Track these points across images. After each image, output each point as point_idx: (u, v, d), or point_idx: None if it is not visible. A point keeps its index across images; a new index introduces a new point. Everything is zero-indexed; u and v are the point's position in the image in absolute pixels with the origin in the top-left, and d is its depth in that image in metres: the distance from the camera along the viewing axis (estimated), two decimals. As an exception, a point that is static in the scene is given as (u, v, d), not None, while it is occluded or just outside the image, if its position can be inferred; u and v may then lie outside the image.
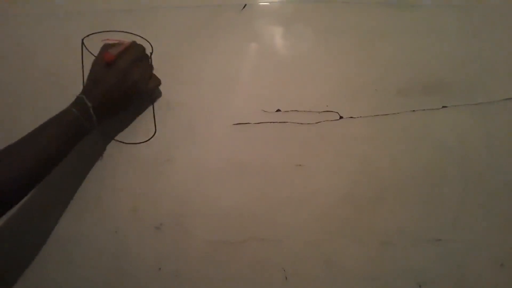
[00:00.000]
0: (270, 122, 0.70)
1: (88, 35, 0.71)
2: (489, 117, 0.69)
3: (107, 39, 0.71)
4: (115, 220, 0.71)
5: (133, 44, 0.66)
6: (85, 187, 0.71)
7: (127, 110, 0.69)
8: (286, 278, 0.69)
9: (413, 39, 0.70)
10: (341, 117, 0.70)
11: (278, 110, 0.70)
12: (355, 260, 0.69)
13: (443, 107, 0.69)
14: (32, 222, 0.71)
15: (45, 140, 0.58)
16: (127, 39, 0.69)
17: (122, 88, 0.63)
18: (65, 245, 0.71)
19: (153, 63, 0.71)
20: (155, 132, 0.71)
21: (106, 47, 0.65)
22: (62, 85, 0.72)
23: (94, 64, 0.65)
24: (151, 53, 0.71)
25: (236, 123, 0.70)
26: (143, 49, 0.67)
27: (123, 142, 0.71)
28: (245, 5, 0.71)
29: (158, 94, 0.71)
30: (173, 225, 0.70)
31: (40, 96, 0.72)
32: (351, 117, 0.70)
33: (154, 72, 0.69)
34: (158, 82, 0.70)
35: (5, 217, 0.69)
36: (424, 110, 0.69)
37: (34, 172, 0.58)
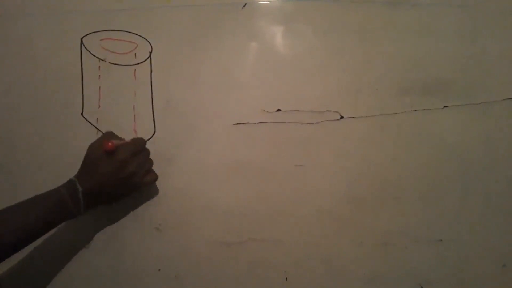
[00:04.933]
0: (270, 122, 0.70)
1: (86, 34, 0.71)
2: (490, 117, 0.69)
3: (107, 39, 0.70)
4: (115, 220, 0.70)
5: (135, 139, 0.66)
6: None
7: (124, 111, 0.68)
8: (286, 278, 0.69)
9: (413, 39, 0.70)
10: (341, 117, 0.70)
11: (278, 110, 0.70)
12: (355, 260, 0.69)
13: (444, 107, 0.69)
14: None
15: (28, 219, 0.57)
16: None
17: (117, 178, 0.62)
18: (65, 246, 0.71)
19: (152, 63, 0.71)
20: (154, 132, 0.71)
21: (107, 136, 0.65)
22: (61, 84, 0.71)
23: (91, 149, 0.63)
24: (150, 53, 0.71)
25: (236, 123, 0.70)
26: (144, 142, 0.67)
27: (123, 142, 0.71)
28: (245, 4, 0.71)
29: (158, 95, 0.71)
30: (173, 225, 0.70)
31: (39, 96, 0.71)
32: (352, 117, 0.70)
33: (156, 69, 0.69)
34: (155, 177, 0.68)
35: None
36: (425, 110, 0.69)
37: (10, 246, 0.57)
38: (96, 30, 0.71)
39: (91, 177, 0.61)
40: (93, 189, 0.61)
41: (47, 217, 0.59)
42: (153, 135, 0.71)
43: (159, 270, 0.70)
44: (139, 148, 0.65)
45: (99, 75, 0.71)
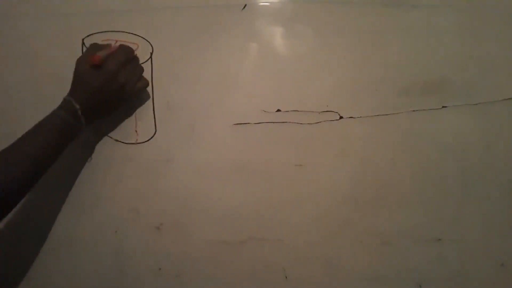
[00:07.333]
0: (270, 122, 0.70)
1: (88, 35, 0.71)
2: (489, 117, 0.69)
3: (107, 40, 0.71)
4: (115, 220, 0.71)
5: (122, 47, 0.66)
6: (85, 187, 0.71)
7: (124, 111, 0.69)
8: (286, 278, 0.69)
9: (413, 39, 0.70)
10: (341, 117, 0.70)
11: (278, 110, 0.70)
12: (355, 260, 0.69)
13: (443, 107, 0.69)
14: (32, 223, 0.71)
15: (35, 145, 0.58)
16: (115, 41, 0.69)
17: (109, 90, 0.63)
18: (65, 245, 0.71)
19: (153, 63, 0.71)
20: (155, 132, 0.71)
21: (93, 48, 0.65)
22: (62, 85, 0.71)
23: (79, 64, 0.63)
24: (151, 53, 0.71)
25: (236, 123, 0.70)
26: (132, 50, 0.67)
27: (123, 142, 0.71)
28: (245, 5, 0.71)
29: (159, 95, 0.71)
30: (173, 225, 0.70)
31: (40, 96, 0.72)
32: (351, 117, 0.70)
33: (157, 70, 0.70)
34: (146, 83, 0.70)
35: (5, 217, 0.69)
36: (424, 110, 0.69)
37: (26, 177, 0.57)
38: (97, 31, 0.71)
39: (85, 94, 0.62)
40: (89, 104, 0.62)
41: (53, 141, 0.59)
42: (153, 135, 0.71)
43: (159, 269, 0.70)
44: (127, 57, 0.65)
45: (100, 76, 0.71)
